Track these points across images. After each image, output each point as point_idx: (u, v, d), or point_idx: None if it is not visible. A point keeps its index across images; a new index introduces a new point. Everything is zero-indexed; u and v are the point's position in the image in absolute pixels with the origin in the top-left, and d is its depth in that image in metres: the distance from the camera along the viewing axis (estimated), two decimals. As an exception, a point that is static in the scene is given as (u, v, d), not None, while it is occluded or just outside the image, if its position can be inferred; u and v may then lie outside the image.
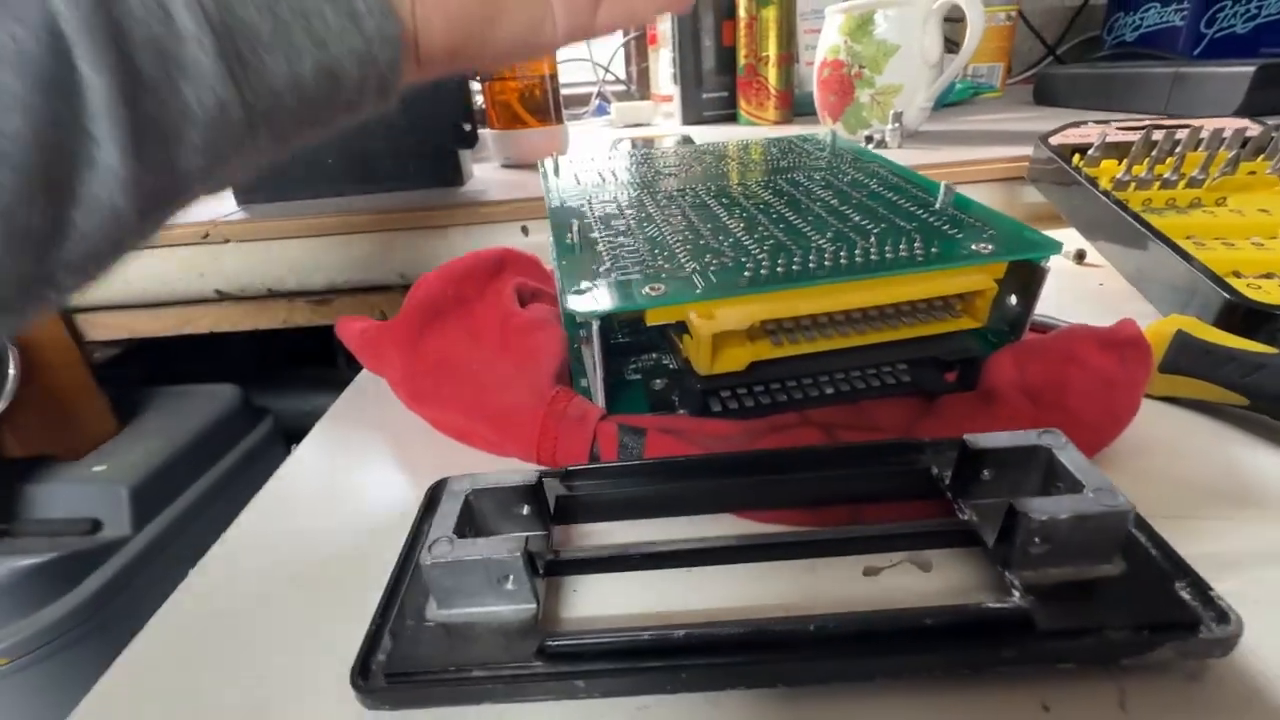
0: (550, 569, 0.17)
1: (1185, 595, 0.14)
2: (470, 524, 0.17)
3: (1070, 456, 0.16)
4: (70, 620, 0.40)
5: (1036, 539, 0.14)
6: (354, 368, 0.32)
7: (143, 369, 0.66)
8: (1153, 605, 0.14)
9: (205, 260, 0.47)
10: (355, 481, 0.24)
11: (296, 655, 0.16)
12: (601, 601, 0.17)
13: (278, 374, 0.78)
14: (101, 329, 0.49)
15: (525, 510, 0.17)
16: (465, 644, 0.15)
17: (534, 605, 0.15)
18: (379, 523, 0.21)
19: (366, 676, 0.14)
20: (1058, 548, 0.14)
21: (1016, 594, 0.14)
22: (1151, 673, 0.14)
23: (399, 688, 0.14)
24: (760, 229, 0.25)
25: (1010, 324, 0.24)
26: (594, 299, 0.20)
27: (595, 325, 0.20)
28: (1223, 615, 0.13)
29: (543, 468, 0.18)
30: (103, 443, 0.49)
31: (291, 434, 0.72)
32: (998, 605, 0.14)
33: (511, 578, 0.15)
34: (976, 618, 0.14)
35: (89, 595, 0.41)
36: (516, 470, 0.18)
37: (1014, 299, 0.24)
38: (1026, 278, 0.23)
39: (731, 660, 0.14)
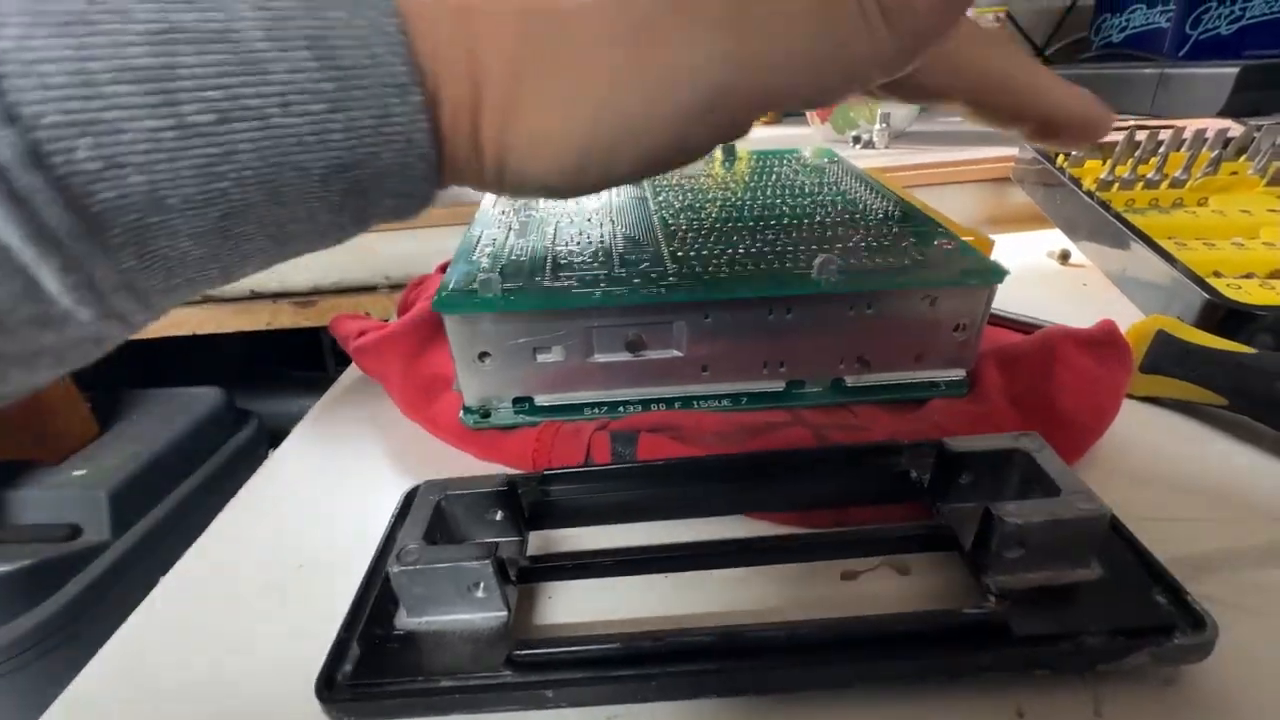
0: (523, 575, 0.16)
1: (1161, 600, 0.14)
2: (443, 530, 0.17)
3: (1047, 459, 0.16)
4: (47, 628, 0.40)
5: (1012, 543, 0.14)
6: (343, 370, 0.32)
7: (127, 371, 0.65)
8: (1128, 610, 0.14)
9: (186, 261, 0.46)
10: (337, 485, 0.23)
11: (267, 665, 0.16)
12: (577, 608, 0.17)
13: (265, 376, 0.77)
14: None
15: (499, 515, 0.17)
16: (433, 653, 0.14)
17: (505, 613, 0.15)
18: (357, 528, 0.20)
19: (331, 687, 0.14)
20: (1033, 552, 0.14)
21: (992, 599, 0.14)
22: (1127, 678, 0.14)
23: (363, 699, 0.14)
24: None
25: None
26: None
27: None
28: (1198, 620, 0.13)
29: (518, 472, 0.18)
30: (82, 446, 0.49)
31: (277, 437, 0.71)
32: (973, 611, 0.14)
33: (482, 585, 0.15)
34: (952, 624, 0.13)
35: (67, 602, 0.41)
36: (491, 475, 0.17)
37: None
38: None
39: (702, 668, 0.13)
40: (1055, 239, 0.37)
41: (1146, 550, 0.15)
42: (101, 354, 0.11)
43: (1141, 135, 0.36)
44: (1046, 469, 0.15)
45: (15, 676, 0.39)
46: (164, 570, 0.20)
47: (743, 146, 0.37)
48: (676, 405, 0.23)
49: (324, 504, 0.22)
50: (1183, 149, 0.35)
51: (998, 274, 0.21)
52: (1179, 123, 0.37)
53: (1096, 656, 0.13)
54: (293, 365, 0.84)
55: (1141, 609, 0.14)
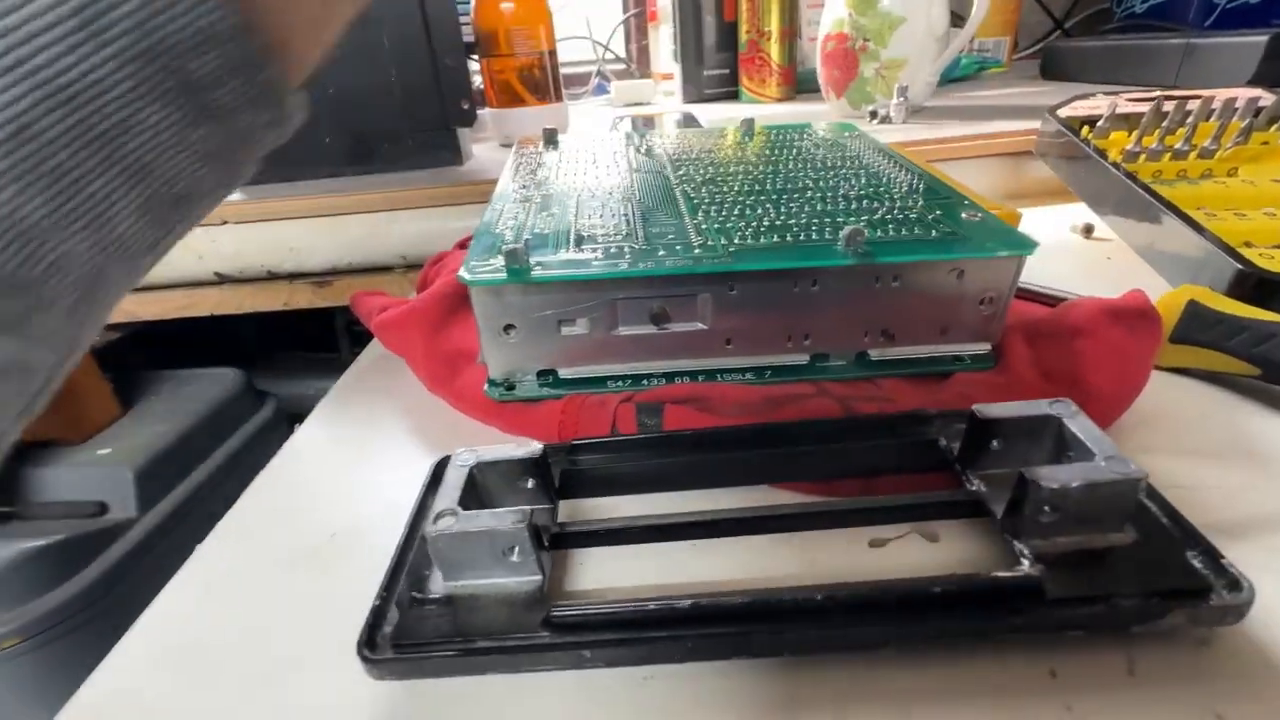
0: (555, 542, 0.17)
1: (1196, 563, 0.14)
2: (475, 497, 0.17)
3: (1081, 425, 0.15)
4: (80, 601, 0.41)
5: (1046, 507, 0.14)
6: (356, 352, 0.32)
7: (145, 353, 0.66)
8: (1164, 573, 0.14)
9: (203, 242, 0.47)
10: (361, 458, 0.23)
11: (304, 630, 0.16)
12: (606, 574, 0.17)
13: (280, 358, 0.78)
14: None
15: (530, 484, 0.17)
16: (471, 615, 0.15)
17: (539, 577, 0.15)
18: (386, 498, 0.21)
19: (373, 648, 0.14)
20: (1068, 516, 0.14)
21: (1026, 562, 0.14)
22: (1160, 639, 0.14)
23: (405, 659, 0.14)
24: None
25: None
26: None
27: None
28: (1234, 582, 0.13)
29: (547, 442, 0.18)
30: (107, 426, 0.50)
31: (294, 417, 0.72)
32: (1007, 574, 0.14)
33: (517, 549, 0.15)
34: (986, 586, 0.14)
35: (97, 576, 0.42)
36: (522, 444, 0.17)
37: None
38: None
39: (738, 630, 0.14)
40: (1078, 213, 0.37)
41: (1181, 514, 0.15)
42: None
43: (1169, 106, 0.35)
44: (1080, 434, 0.15)
45: (48, 648, 0.40)
46: (190, 546, 0.20)
47: (758, 123, 0.36)
48: (700, 378, 0.23)
49: (352, 476, 0.23)
50: (1212, 119, 0.34)
51: (1027, 245, 0.21)
52: (1207, 92, 0.37)
53: (1131, 618, 0.13)
54: (306, 347, 0.84)
55: (1176, 571, 0.14)
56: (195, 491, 0.49)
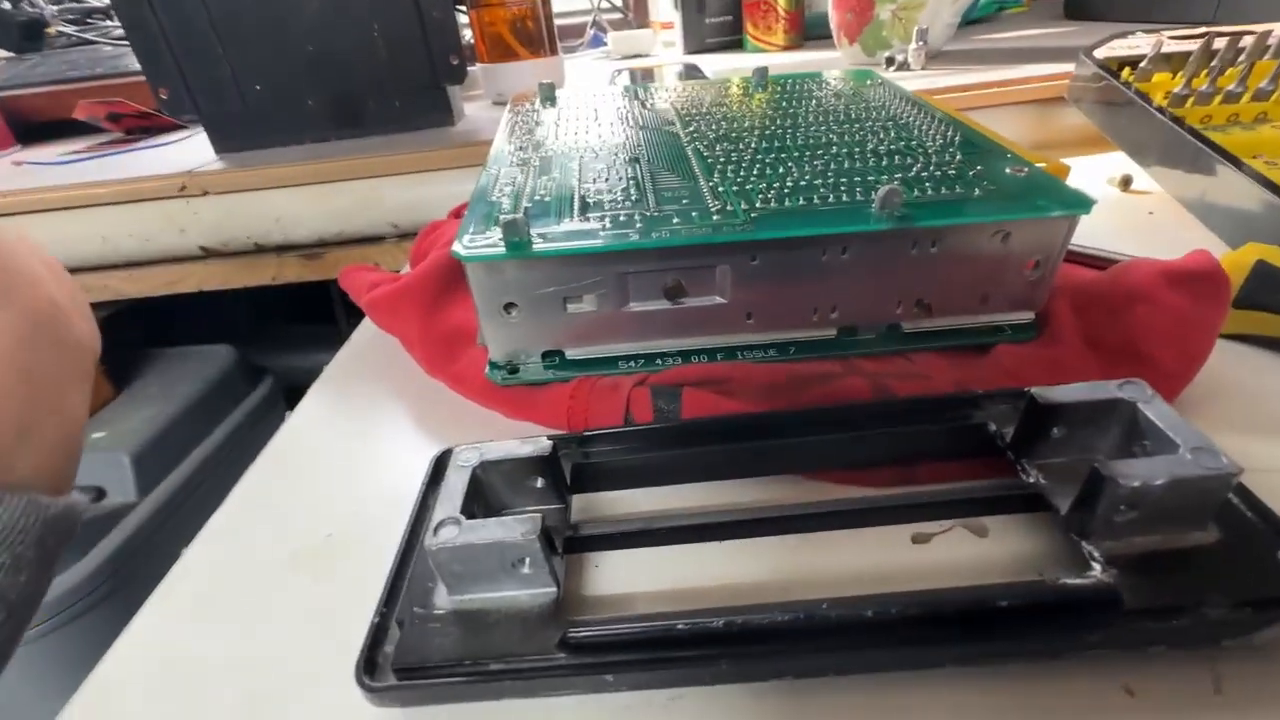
0: (569, 545, 0.15)
1: (1291, 565, 0.12)
2: (480, 500, 0.15)
3: (1159, 410, 0.14)
4: (84, 587, 0.40)
5: (1123, 506, 0.12)
6: (354, 324, 0.30)
7: (135, 332, 0.64)
8: (1255, 578, 0.12)
9: (185, 215, 0.44)
10: (360, 448, 0.22)
11: (300, 645, 0.15)
12: (627, 577, 0.16)
13: (275, 331, 0.76)
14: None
15: (539, 483, 0.16)
16: (480, 634, 0.13)
17: (554, 589, 0.14)
18: (389, 492, 0.19)
19: (373, 672, 0.13)
20: (1146, 515, 0.13)
21: (1097, 566, 0.13)
22: (1250, 652, 0.12)
23: (409, 685, 0.13)
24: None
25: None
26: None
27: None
28: (1337, 588, 0.12)
29: (558, 434, 0.16)
30: (100, 408, 0.48)
31: (292, 393, 0.71)
32: (1080, 582, 0.12)
33: (528, 560, 0.13)
34: (1057, 597, 0.12)
35: (100, 562, 0.41)
36: (529, 439, 0.16)
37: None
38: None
39: (776, 649, 0.12)
40: (1115, 163, 0.34)
41: (1269, 509, 0.13)
42: None
43: (1220, 43, 0.32)
44: (1159, 421, 0.13)
45: (59, 634, 0.40)
46: (192, 528, 0.19)
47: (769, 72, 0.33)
48: (719, 357, 0.21)
49: (348, 468, 0.21)
50: (1266, 56, 0.31)
51: (1082, 204, 0.19)
52: (1261, 27, 0.34)
53: (1221, 630, 0.12)
54: (302, 319, 0.82)
55: (1269, 574, 0.12)
56: (195, 472, 0.48)
